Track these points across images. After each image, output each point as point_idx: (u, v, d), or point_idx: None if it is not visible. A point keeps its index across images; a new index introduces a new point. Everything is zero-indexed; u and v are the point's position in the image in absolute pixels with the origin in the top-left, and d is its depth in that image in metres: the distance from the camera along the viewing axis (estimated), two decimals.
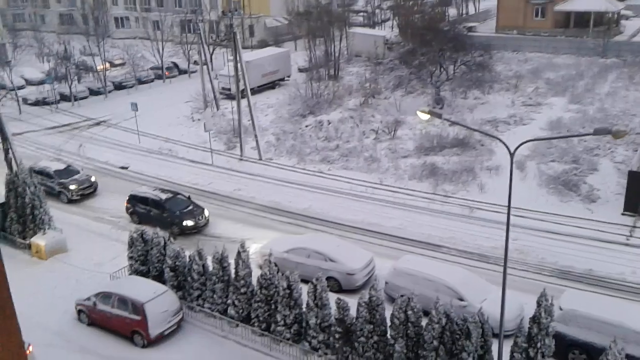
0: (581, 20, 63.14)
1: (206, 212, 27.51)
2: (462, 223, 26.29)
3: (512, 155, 13.93)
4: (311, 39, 55.62)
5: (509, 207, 14.29)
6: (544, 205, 27.25)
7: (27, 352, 16.81)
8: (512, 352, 15.67)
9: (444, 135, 36.01)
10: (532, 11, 66.07)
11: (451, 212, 27.35)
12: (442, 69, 43.37)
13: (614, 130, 12.67)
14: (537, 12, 65.89)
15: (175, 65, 61.41)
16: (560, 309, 17.59)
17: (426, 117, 15.42)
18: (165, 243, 21.33)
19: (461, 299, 18.99)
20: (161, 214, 27.02)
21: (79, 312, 20.52)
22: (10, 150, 27.48)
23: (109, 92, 53.26)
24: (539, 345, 15.05)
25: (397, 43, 57.37)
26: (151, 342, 19.07)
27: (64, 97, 50.43)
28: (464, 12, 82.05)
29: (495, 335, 16.09)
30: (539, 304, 15.12)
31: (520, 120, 39.56)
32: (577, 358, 17.49)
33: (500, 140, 14.72)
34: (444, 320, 15.61)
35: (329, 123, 40.02)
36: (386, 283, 20.82)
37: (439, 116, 15.74)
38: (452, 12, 78.58)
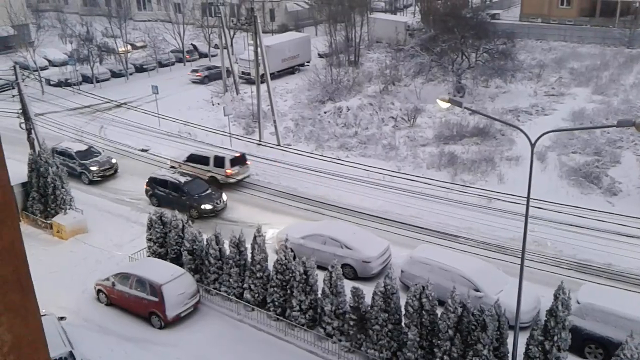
0: (607, 9, 61.91)
1: (224, 196, 27.69)
2: (480, 213, 26.09)
3: (532, 145, 13.76)
4: (332, 24, 55.27)
5: (528, 198, 14.15)
6: (564, 197, 26.90)
7: None
8: (527, 344, 15.57)
9: (464, 124, 35.68)
10: None
11: (469, 202, 27.14)
12: (463, 57, 42.85)
13: (638, 122, 12.38)
14: (563, 0, 64.70)
15: (196, 48, 61.50)
16: (578, 302, 17.46)
17: (446, 105, 15.32)
18: (183, 226, 21.51)
19: (477, 290, 18.93)
20: (180, 197, 27.24)
21: (98, 292, 20.87)
22: (32, 131, 27.81)
23: (130, 74, 53.56)
24: (555, 338, 14.92)
25: (418, 29, 56.81)
26: (168, 324, 19.34)
27: (86, 79, 50.84)
28: None
29: (510, 327, 16.02)
30: (556, 297, 14.94)
31: (542, 110, 39.09)
32: (594, 352, 17.38)
33: (521, 131, 14.55)
34: (459, 310, 15.56)
35: (348, 110, 39.84)
36: (402, 272, 20.82)
37: (459, 105, 15.55)
38: None
